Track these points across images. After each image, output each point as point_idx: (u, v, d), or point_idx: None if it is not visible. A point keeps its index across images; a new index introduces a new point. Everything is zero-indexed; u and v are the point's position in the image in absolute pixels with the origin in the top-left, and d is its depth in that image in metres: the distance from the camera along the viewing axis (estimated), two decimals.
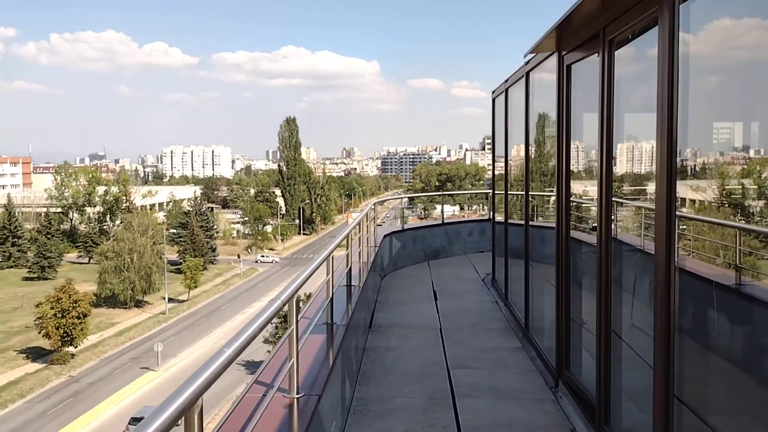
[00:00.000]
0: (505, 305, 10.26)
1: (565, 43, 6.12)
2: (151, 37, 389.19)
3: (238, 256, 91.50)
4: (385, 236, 13.46)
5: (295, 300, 4.23)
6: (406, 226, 15.29)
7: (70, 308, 40.28)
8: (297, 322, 4.34)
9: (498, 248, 11.72)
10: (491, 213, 13.27)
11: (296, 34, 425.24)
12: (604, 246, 4.94)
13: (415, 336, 8.87)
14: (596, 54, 5.05)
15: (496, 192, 12.14)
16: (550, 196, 7.78)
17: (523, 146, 8.67)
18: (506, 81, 9.72)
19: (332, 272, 6.11)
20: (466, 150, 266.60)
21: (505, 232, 10.60)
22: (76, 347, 42.03)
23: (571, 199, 6.28)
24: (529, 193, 8.43)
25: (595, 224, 5.15)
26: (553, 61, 6.47)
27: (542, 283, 7.82)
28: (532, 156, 8.50)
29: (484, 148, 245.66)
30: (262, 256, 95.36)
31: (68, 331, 40.50)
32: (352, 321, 6.61)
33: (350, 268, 8.01)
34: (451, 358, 7.73)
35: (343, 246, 7.76)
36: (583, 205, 6.28)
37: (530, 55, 7.43)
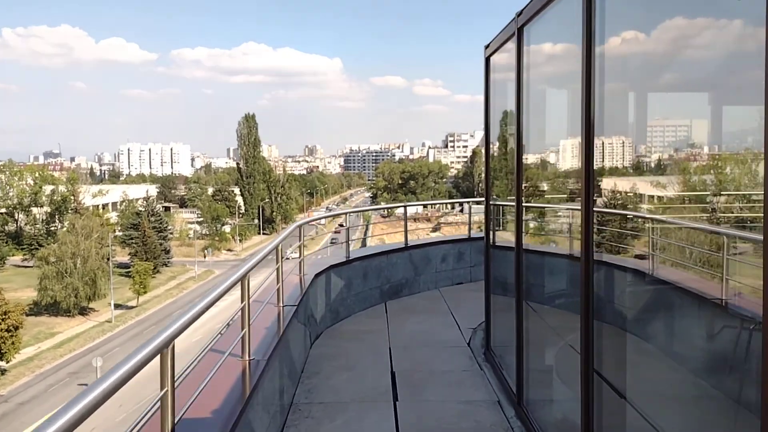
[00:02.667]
0: (516, 413, 6.09)
1: None
2: (108, 33, 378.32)
3: (204, 256, 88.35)
4: (318, 274, 9.02)
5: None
6: (353, 255, 10.46)
7: None
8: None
9: (500, 291, 7.41)
10: (485, 230, 7.89)
11: (257, 30, 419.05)
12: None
13: None
14: None
15: (494, 201, 7.73)
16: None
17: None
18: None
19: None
20: (429, 147, 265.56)
21: (517, 265, 5.95)
22: (7, 362, 38.58)
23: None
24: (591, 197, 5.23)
25: None
26: None
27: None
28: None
29: (446, 146, 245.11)
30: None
31: None
32: None
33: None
34: None
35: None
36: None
37: None
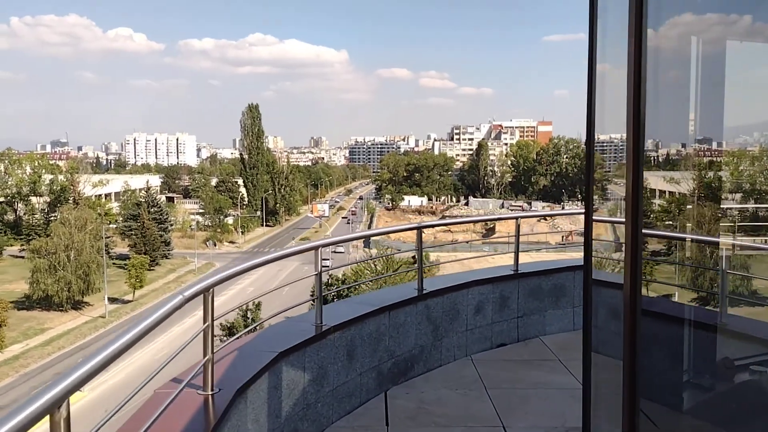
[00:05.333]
0: None
1: None
2: (116, 22, 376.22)
3: (214, 244, 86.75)
4: (250, 382, 4.63)
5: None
6: (332, 315, 6.10)
7: None
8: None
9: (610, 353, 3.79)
10: (585, 256, 3.94)
11: (264, 21, 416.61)
12: None
13: None
14: None
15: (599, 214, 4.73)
16: None
17: None
18: None
19: None
20: (435, 140, 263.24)
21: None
22: None
23: None
24: None
25: None
26: None
27: None
28: None
29: (452, 139, 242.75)
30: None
31: None
32: None
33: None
34: None
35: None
36: None
37: None
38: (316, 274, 5.98)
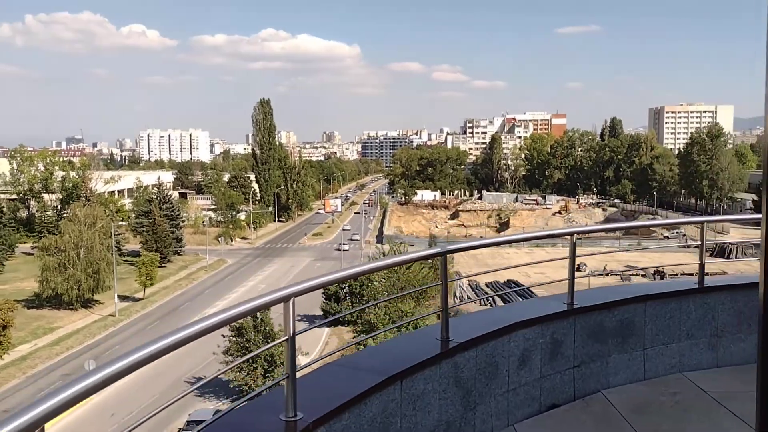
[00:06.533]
0: None
1: None
2: (129, 19, 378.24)
3: (228, 241, 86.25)
4: None
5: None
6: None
7: None
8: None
9: None
10: (763, 276, 2.34)
11: (276, 17, 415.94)
12: None
13: None
14: None
15: None
16: None
17: None
18: None
19: None
20: (447, 134, 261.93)
21: None
22: None
23: None
24: None
25: None
26: None
27: None
28: None
29: (465, 132, 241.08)
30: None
31: None
32: None
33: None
34: None
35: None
36: None
37: None
38: (440, 284, 4.89)
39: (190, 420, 28.65)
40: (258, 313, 34.23)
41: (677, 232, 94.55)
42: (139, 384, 35.91)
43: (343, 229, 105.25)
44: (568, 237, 6.00)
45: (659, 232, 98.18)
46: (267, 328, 33.77)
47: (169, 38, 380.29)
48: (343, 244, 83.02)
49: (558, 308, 5.96)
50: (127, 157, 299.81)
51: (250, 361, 32.69)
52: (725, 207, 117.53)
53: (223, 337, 34.46)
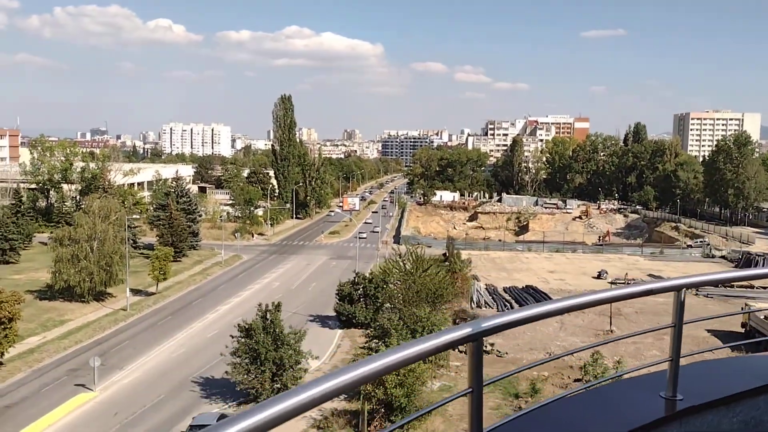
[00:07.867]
0: None
1: None
2: (156, 13, 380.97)
3: (252, 235, 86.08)
4: None
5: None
6: None
7: None
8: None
9: None
10: None
11: (301, 14, 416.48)
12: None
13: None
14: None
15: None
16: None
17: None
18: None
19: None
20: (468, 135, 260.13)
21: None
22: (1, 355, 35.79)
23: None
24: None
25: None
26: None
27: None
28: None
29: (486, 134, 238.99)
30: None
31: None
32: None
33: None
34: None
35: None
36: None
37: None
38: (673, 326, 3.47)
39: (193, 425, 27.52)
40: (268, 315, 33.48)
41: (701, 242, 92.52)
42: (145, 383, 35.32)
43: (365, 222, 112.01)
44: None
45: (682, 240, 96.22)
46: (276, 330, 32.91)
47: (195, 33, 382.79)
48: (361, 232, 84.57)
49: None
50: (149, 150, 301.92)
51: (258, 364, 32.02)
52: (750, 217, 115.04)
53: (232, 337, 33.68)
